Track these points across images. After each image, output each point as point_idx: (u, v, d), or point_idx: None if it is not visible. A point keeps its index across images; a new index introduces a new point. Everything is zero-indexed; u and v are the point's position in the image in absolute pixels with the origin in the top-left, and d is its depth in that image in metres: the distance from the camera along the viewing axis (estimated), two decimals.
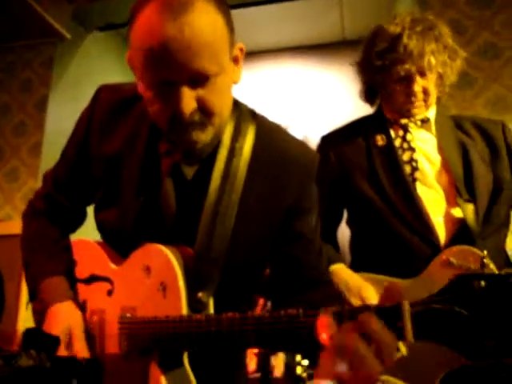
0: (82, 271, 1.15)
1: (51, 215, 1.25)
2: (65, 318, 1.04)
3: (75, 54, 3.64)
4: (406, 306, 0.71)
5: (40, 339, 0.79)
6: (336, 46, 4.48)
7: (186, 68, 0.88)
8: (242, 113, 1.12)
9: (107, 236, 1.17)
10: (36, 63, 3.56)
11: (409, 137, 1.55)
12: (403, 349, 0.72)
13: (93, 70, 3.71)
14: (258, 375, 2.55)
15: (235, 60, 1.03)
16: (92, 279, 1.12)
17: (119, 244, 1.11)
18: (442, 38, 1.54)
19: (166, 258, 0.95)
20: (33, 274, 1.15)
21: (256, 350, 2.74)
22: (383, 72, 1.58)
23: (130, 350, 0.98)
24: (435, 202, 1.49)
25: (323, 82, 4.44)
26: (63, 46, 3.57)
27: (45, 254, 1.17)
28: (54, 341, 0.83)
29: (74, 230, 1.30)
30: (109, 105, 1.14)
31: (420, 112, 1.57)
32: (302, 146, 1.15)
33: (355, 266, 1.55)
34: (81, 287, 1.14)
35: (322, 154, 1.62)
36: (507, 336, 0.64)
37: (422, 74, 1.53)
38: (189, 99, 0.91)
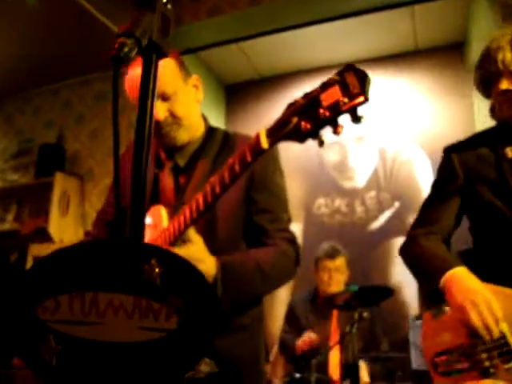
0: None
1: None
2: None
3: None
4: None
5: None
6: (409, 55, 4.47)
7: None
8: (215, 131, 1.60)
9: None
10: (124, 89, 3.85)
11: None
12: None
13: None
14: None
15: (195, 86, 1.55)
16: None
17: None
18: None
19: (159, 210, 1.42)
20: None
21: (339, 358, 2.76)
22: (489, 85, 1.57)
23: None
24: None
25: (398, 93, 4.43)
26: None
27: None
28: None
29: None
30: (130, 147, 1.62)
31: None
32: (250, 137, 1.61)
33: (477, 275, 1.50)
34: None
35: (445, 159, 1.64)
36: None
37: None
38: (161, 109, 1.41)
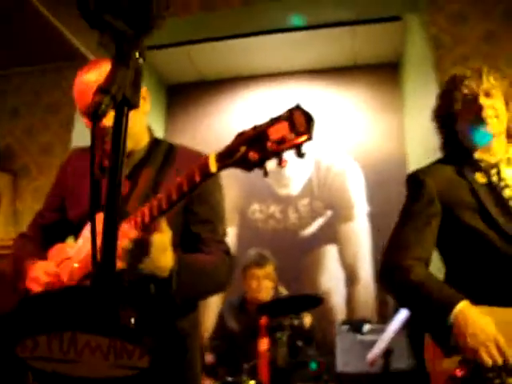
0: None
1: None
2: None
3: None
4: None
5: None
6: (349, 70, 4.65)
7: None
8: (160, 142, 1.64)
9: (74, 228, 1.57)
10: (63, 85, 3.76)
11: (503, 174, 1.64)
12: None
13: None
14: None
15: (143, 98, 1.56)
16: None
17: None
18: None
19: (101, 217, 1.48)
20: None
21: None
22: (459, 109, 1.69)
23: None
24: None
25: (334, 107, 4.60)
26: None
27: None
28: None
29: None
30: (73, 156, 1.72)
31: (495, 128, 1.64)
32: (193, 150, 1.64)
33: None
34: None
35: (419, 183, 1.66)
36: None
37: (487, 95, 1.63)
38: (107, 116, 1.45)
